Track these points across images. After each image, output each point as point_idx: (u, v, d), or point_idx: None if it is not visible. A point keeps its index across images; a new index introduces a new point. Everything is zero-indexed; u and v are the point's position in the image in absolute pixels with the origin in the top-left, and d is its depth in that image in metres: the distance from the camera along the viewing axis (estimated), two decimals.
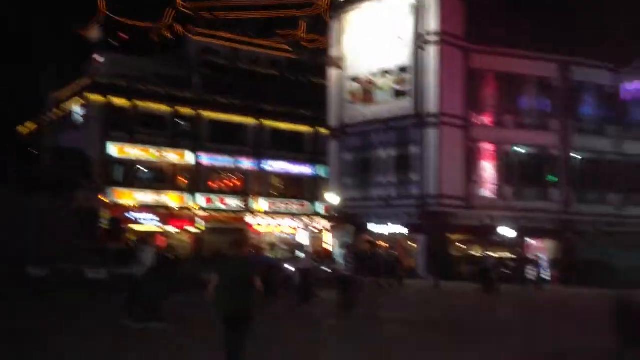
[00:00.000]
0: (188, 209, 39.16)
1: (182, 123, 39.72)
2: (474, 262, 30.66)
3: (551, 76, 35.84)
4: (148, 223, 37.33)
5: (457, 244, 33.84)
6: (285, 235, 41.93)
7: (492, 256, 31.91)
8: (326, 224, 40.40)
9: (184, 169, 39.58)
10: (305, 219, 43.20)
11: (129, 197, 37.31)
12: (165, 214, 38.31)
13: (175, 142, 39.13)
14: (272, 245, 35.43)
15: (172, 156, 39.14)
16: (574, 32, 33.62)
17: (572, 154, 35.98)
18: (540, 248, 34.65)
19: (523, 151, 35.37)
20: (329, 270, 23.54)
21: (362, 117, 36.12)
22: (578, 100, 36.84)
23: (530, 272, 33.37)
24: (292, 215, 42.92)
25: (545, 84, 35.95)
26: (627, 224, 35.26)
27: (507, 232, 33.61)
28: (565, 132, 35.82)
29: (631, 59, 34.97)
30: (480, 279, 25.46)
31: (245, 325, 7.96)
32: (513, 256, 33.64)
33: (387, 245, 33.32)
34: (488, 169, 34.30)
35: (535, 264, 33.36)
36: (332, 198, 35.92)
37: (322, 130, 40.62)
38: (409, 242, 34.28)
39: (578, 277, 30.44)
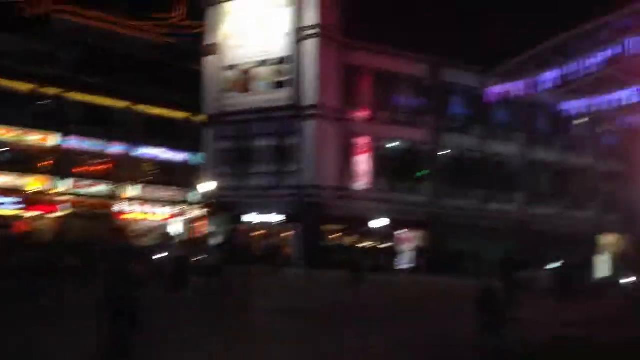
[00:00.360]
0: (52, 193, 36.98)
1: (48, 103, 37.39)
2: (346, 251, 31.37)
3: (423, 76, 37.29)
4: (6, 207, 34.88)
5: (332, 234, 34.40)
6: (158, 223, 40.68)
7: (363, 246, 32.87)
8: (201, 212, 39.67)
9: (49, 152, 37.28)
10: (179, 206, 42.13)
11: None
12: (26, 198, 35.92)
13: (39, 123, 36.71)
14: (145, 233, 34.32)
15: (35, 137, 36.77)
16: (446, 34, 35.13)
17: (441, 151, 37.67)
18: (411, 239, 36.03)
19: (397, 146, 36.58)
20: (202, 259, 23.14)
21: (240, 106, 35.75)
22: (448, 100, 38.64)
23: (401, 262, 34.72)
24: (166, 202, 41.71)
25: (418, 83, 37.34)
26: (489, 218, 37.47)
27: (380, 223, 34.60)
28: (436, 129, 37.44)
29: (496, 63, 37.05)
30: (350, 268, 26.02)
31: (129, 315, 7.85)
32: (385, 246, 34.79)
33: (266, 235, 33.31)
34: (363, 162, 35.09)
35: (406, 253, 34.79)
36: (208, 186, 35.31)
37: (199, 118, 39.78)
38: (286, 232, 34.40)
39: (445, 266, 31.95)
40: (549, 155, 41.78)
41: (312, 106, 33.73)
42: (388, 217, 34.47)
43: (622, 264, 30.18)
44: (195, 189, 37.64)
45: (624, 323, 11.12)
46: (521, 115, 40.67)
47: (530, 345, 10.02)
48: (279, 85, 34.74)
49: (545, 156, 41.60)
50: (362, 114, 35.28)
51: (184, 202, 42.01)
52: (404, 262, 35.08)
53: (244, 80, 35.94)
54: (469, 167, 38.41)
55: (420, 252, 34.90)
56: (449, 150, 37.92)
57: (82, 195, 38.07)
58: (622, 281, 24.95)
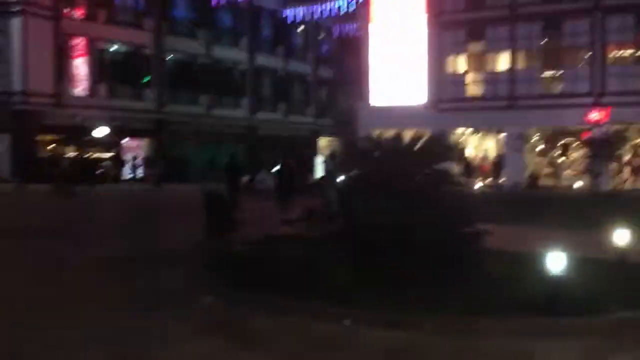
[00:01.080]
0: None
1: None
2: (62, 163, 29.35)
3: None
4: None
5: (47, 144, 31.59)
6: None
7: (83, 157, 31.03)
8: None
9: None
10: None
11: None
12: None
13: None
14: None
15: None
16: None
17: (165, 55, 36.34)
18: (136, 147, 34.78)
19: (117, 49, 34.38)
20: None
21: None
22: (171, 1, 37.06)
23: (125, 171, 33.51)
24: None
25: None
26: (216, 124, 37.70)
27: (102, 131, 32.66)
28: (159, 32, 35.82)
29: None
30: (58, 181, 24.43)
31: None
32: (109, 156, 33.20)
33: None
34: (81, 66, 32.46)
35: (129, 163, 33.61)
36: None
37: None
38: None
39: (174, 175, 31.60)
40: (272, 62, 42.93)
41: (18, 2, 29.87)
42: (111, 125, 32.69)
43: (335, 164, 32.80)
44: None
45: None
46: (246, 20, 40.86)
47: (247, 244, 10.28)
48: None
49: (269, 62, 42.68)
50: (77, 12, 32.25)
51: None
52: (131, 172, 33.94)
53: None
54: (195, 72, 37.84)
55: (147, 161, 34.01)
56: (173, 55, 36.79)
57: None
58: (335, 180, 27.09)
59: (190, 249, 10.71)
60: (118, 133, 33.20)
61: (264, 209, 16.95)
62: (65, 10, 31.60)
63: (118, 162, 33.28)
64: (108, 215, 18.46)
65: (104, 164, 32.51)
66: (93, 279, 9.19)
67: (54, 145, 31.63)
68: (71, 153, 31.54)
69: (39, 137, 30.86)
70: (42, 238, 13.01)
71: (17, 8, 29.86)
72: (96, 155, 32.46)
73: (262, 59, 41.96)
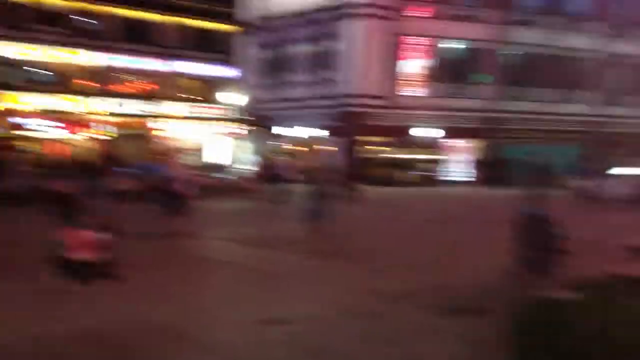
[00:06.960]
0: (90, 113, 35.17)
1: (85, 20, 34.97)
2: (384, 165, 29.40)
3: None
4: (44, 130, 33.45)
5: (371, 146, 31.49)
6: (193, 141, 37.87)
7: (405, 158, 30.67)
8: (235, 128, 37.31)
9: (87, 71, 35.22)
10: (215, 123, 38.92)
11: (21, 102, 33.10)
12: (64, 119, 34.19)
13: (75, 41, 34.38)
14: (177, 152, 32.81)
15: (72, 56, 34.70)
16: None
17: (505, 49, 33.21)
18: (463, 148, 32.97)
19: (453, 46, 32.53)
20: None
21: (277, 10, 32.92)
22: None
23: (447, 173, 32.22)
24: (203, 119, 38.63)
25: None
26: (554, 121, 33.63)
27: (428, 132, 31.75)
28: (500, 24, 32.71)
29: None
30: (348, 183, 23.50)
31: None
32: (433, 157, 32.18)
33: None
34: (413, 66, 31.73)
35: (454, 164, 32.20)
36: (241, 99, 33.14)
37: (233, 27, 36.98)
38: (324, 146, 31.87)
39: (501, 177, 29.22)
40: (627, 48, 35.85)
41: (357, 4, 30.20)
42: (438, 126, 31.48)
43: None
44: (229, 103, 34.85)
45: None
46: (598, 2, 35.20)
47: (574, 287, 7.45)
48: None
49: (623, 49, 35.72)
50: (414, 10, 31.12)
51: (221, 118, 38.48)
52: (455, 174, 32.36)
53: None
54: (536, 65, 33.77)
55: (473, 163, 32.15)
56: (516, 49, 33.21)
57: (120, 115, 36.01)
58: None
59: (492, 283, 8.43)
60: (445, 133, 31.91)
61: (597, 226, 13.60)
62: (402, 9, 30.86)
63: (436, 163, 32.21)
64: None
65: (422, 165, 31.64)
66: None
67: (378, 146, 31.61)
68: (389, 154, 31.26)
69: (363, 139, 30.93)
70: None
71: (356, 11, 30.15)
72: (415, 156, 31.75)
73: (615, 46, 35.60)
